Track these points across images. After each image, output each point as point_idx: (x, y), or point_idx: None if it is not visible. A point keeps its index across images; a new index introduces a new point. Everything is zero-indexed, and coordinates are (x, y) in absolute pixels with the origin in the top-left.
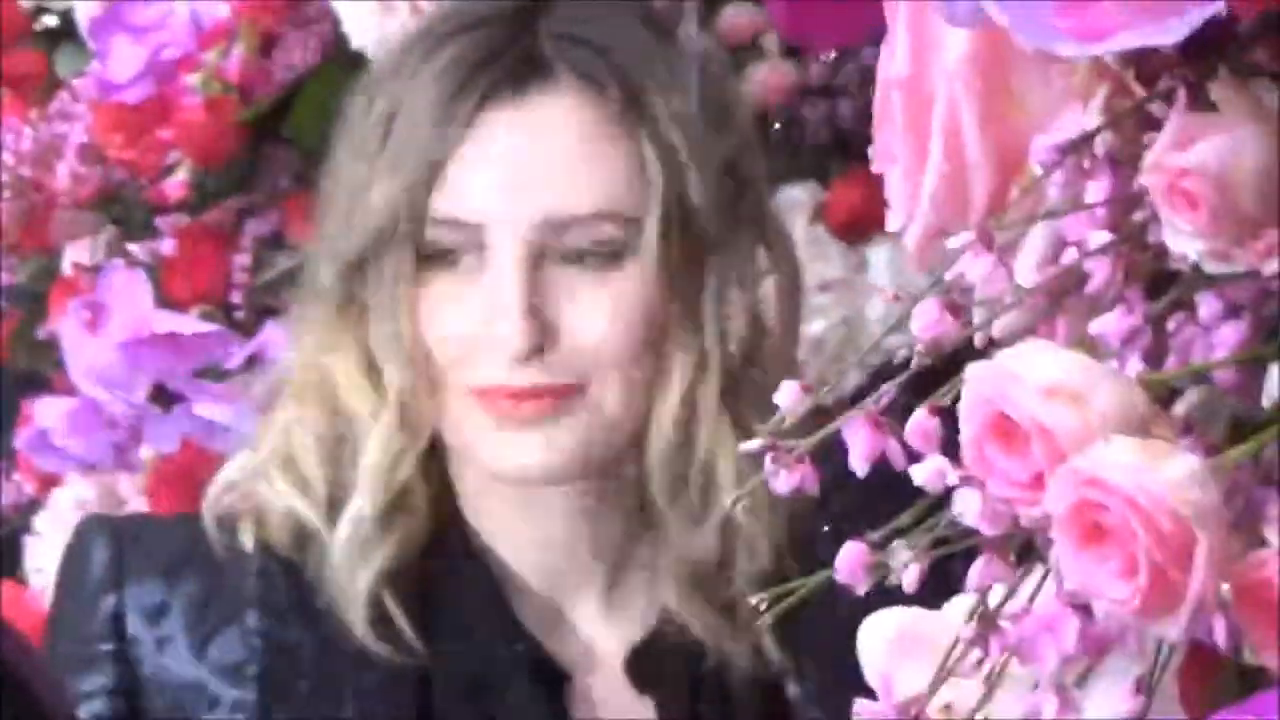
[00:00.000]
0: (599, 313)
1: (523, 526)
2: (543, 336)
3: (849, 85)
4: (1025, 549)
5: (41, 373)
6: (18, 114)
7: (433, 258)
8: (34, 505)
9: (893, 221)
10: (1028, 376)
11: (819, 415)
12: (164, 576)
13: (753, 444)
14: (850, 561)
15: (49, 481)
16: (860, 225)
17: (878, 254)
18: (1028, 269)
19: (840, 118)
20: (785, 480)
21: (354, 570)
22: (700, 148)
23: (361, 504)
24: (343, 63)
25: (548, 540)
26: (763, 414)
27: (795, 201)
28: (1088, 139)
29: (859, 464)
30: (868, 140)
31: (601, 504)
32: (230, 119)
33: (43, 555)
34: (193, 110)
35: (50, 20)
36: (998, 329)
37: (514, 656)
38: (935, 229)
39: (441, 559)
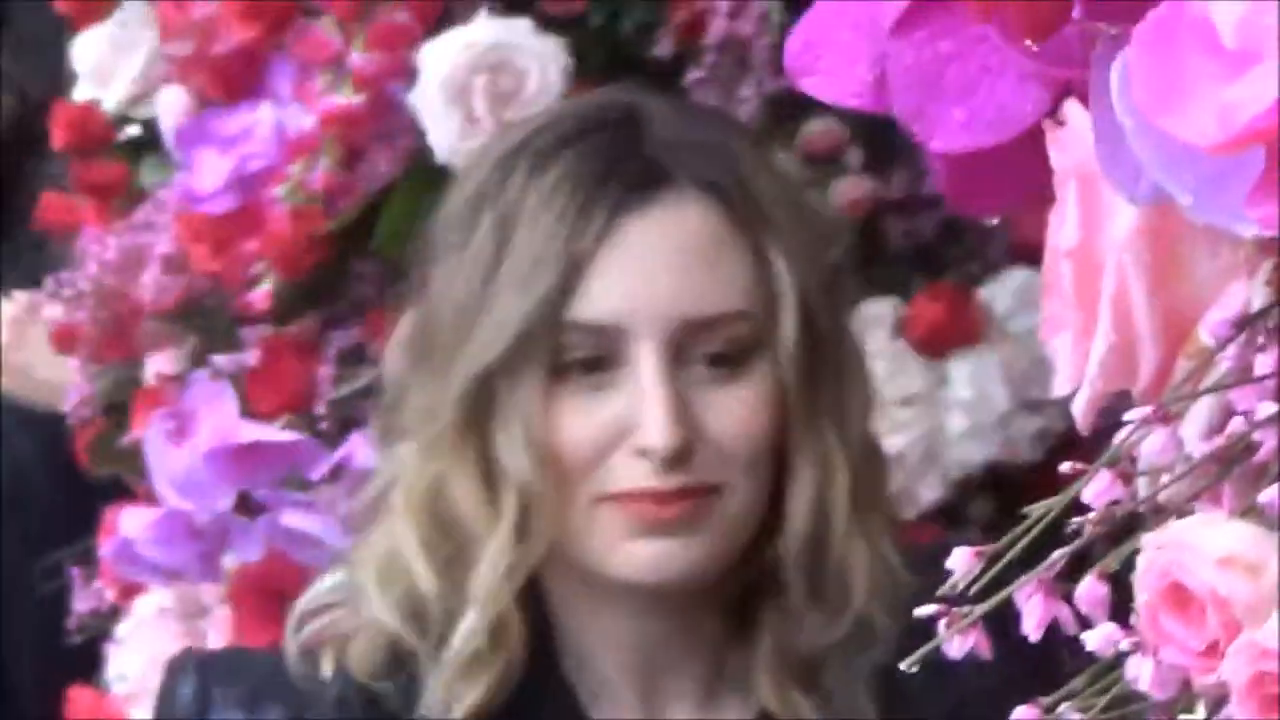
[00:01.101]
0: (735, 413)
1: (625, 635)
2: (687, 438)
3: (930, 199)
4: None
5: (124, 480)
6: (100, 223)
7: (566, 366)
8: (115, 612)
9: (1059, 387)
10: (1204, 547)
11: (897, 526)
12: (245, 706)
13: (926, 610)
14: None
15: (131, 589)
16: (941, 340)
17: (958, 368)
18: (1193, 438)
19: (921, 232)
20: (959, 645)
21: (452, 691)
22: (813, 251)
23: (475, 619)
24: (427, 175)
25: (646, 643)
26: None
27: (877, 316)
28: (1262, 314)
29: (1032, 630)
30: (948, 254)
31: (702, 606)
32: (315, 230)
33: (124, 663)
34: (278, 221)
35: (133, 130)
36: (1164, 497)
37: None
38: (1102, 395)
39: (532, 693)
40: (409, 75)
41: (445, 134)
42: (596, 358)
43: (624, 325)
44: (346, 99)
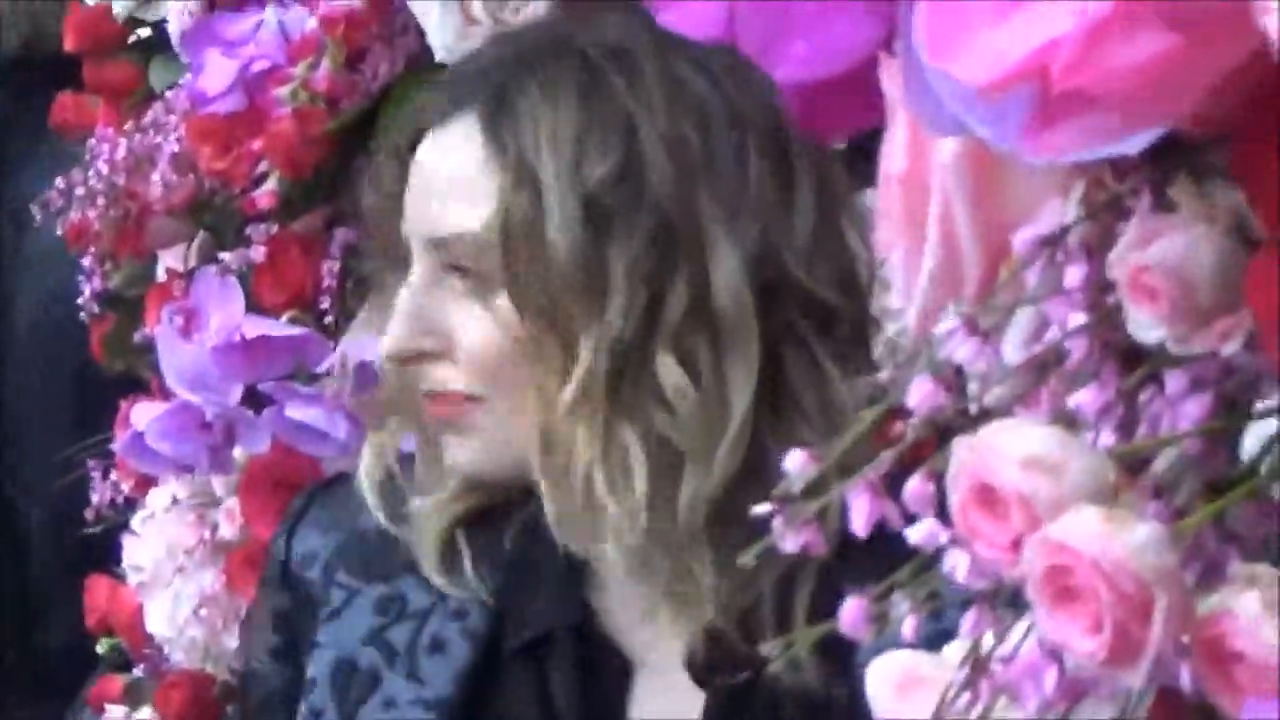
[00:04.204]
0: (480, 328)
1: None
2: (415, 346)
3: None
4: (1014, 599)
5: (139, 375)
6: (112, 124)
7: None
8: (132, 504)
9: (894, 300)
10: (1009, 449)
11: (894, 415)
12: (323, 530)
13: (762, 508)
14: (853, 613)
15: (146, 482)
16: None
17: None
18: (1014, 347)
19: None
20: (792, 541)
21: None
22: (567, 177)
23: (419, 503)
24: (426, 75)
25: None
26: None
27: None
28: (1064, 232)
29: (860, 527)
30: None
31: None
32: (318, 130)
33: (139, 553)
34: (282, 121)
35: (144, 32)
36: (988, 402)
37: (566, 629)
38: (932, 309)
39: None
40: None
41: (444, 35)
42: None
43: (407, 239)
44: (348, 1)
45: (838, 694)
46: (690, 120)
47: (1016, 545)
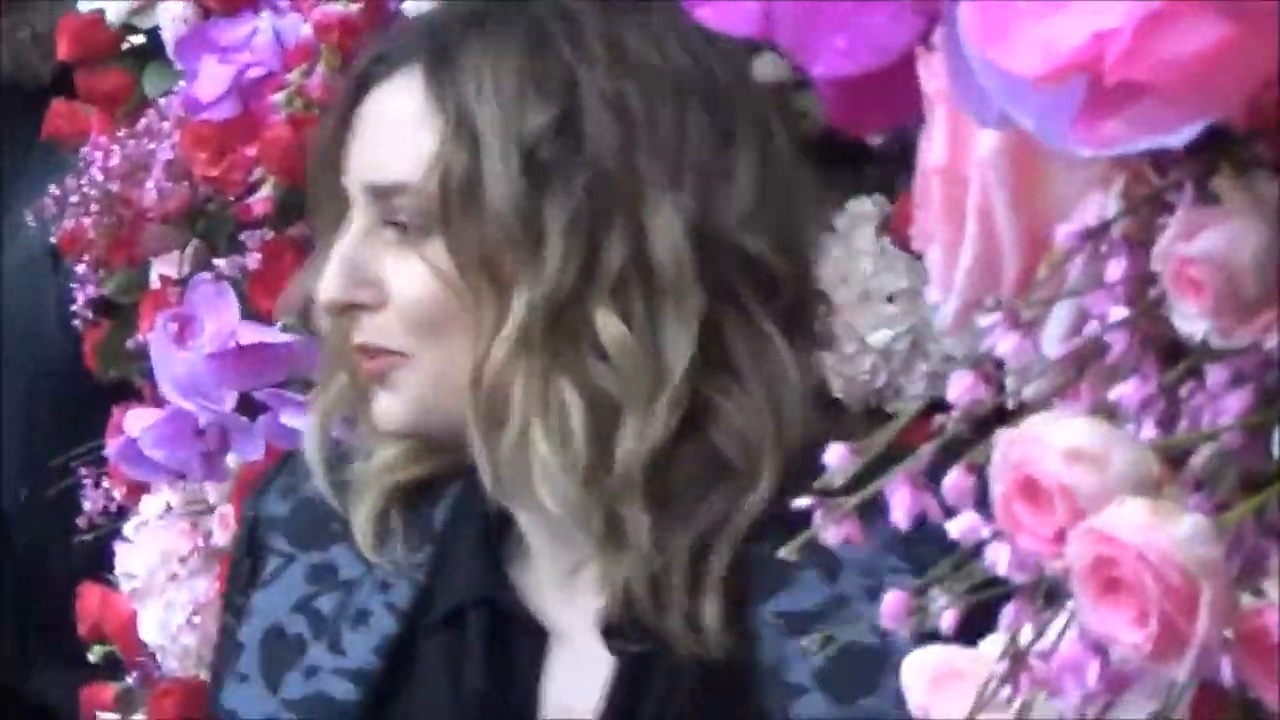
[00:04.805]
0: (412, 282)
1: None
2: (347, 298)
3: None
4: (1052, 593)
5: (132, 382)
6: (105, 131)
7: None
8: (124, 512)
9: (931, 295)
10: (1051, 441)
11: (883, 419)
12: (282, 496)
13: (802, 502)
14: (893, 606)
15: (139, 489)
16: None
17: None
18: (1054, 341)
19: (907, 131)
20: (834, 534)
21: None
22: (506, 129)
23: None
24: None
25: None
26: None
27: (863, 213)
28: (1106, 226)
29: (901, 519)
30: None
31: None
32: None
33: (132, 561)
34: (276, 128)
35: (137, 39)
36: (1027, 396)
37: (480, 601)
38: (970, 304)
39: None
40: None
41: None
42: None
43: (347, 191)
44: (343, 7)
45: (736, 660)
46: (632, 80)
47: (1059, 537)
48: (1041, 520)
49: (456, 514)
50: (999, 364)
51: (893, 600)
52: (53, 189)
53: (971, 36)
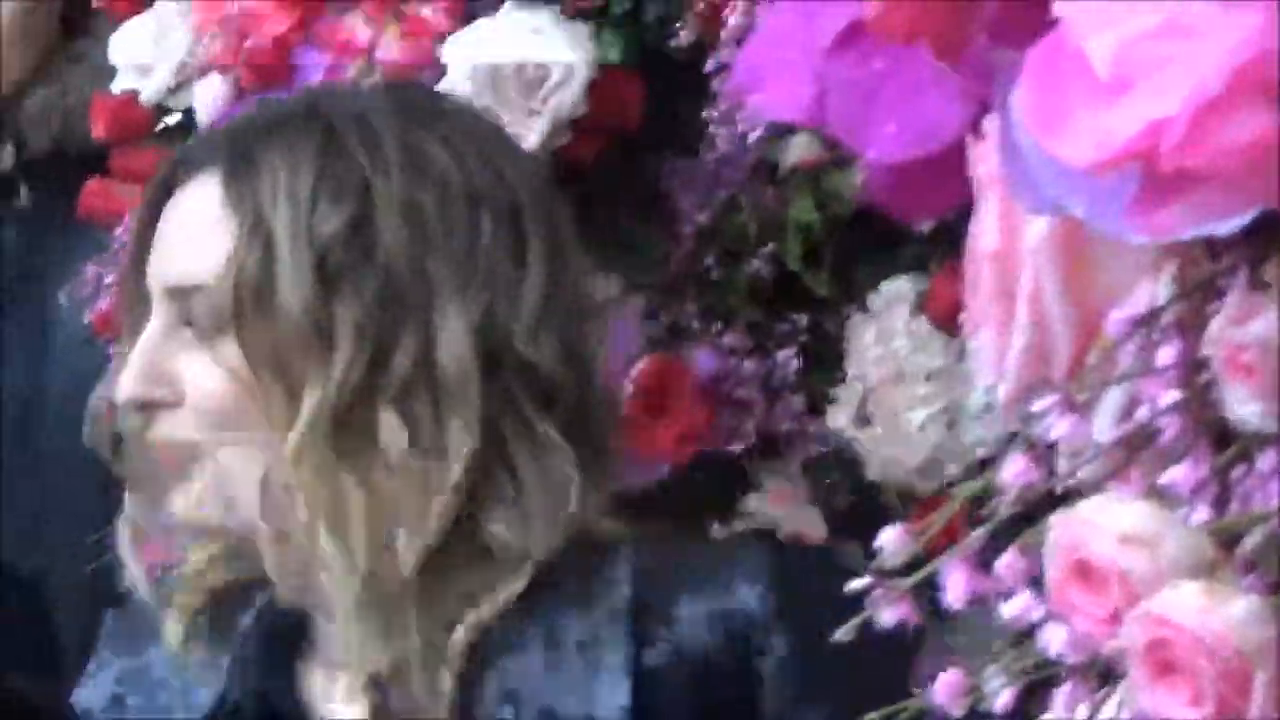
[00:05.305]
0: (205, 377)
1: None
2: (147, 394)
3: None
4: (1106, 673)
5: None
6: None
7: None
8: None
9: (981, 379)
10: (1106, 525)
11: (924, 501)
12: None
13: (859, 583)
14: (948, 686)
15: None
16: (961, 316)
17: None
18: (1105, 425)
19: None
20: (889, 615)
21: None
22: (299, 232)
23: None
24: None
25: None
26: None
27: (898, 293)
28: (1158, 312)
29: (956, 600)
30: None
31: None
32: None
33: None
34: None
35: (172, 119)
36: (1080, 479)
37: (250, 698)
38: (1022, 388)
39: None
40: (437, 66)
41: None
42: None
43: (148, 291)
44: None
45: None
46: (425, 187)
47: (1114, 619)
48: (1096, 602)
49: (260, 616)
50: (1051, 447)
51: (948, 680)
52: (88, 269)
53: (1026, 125)
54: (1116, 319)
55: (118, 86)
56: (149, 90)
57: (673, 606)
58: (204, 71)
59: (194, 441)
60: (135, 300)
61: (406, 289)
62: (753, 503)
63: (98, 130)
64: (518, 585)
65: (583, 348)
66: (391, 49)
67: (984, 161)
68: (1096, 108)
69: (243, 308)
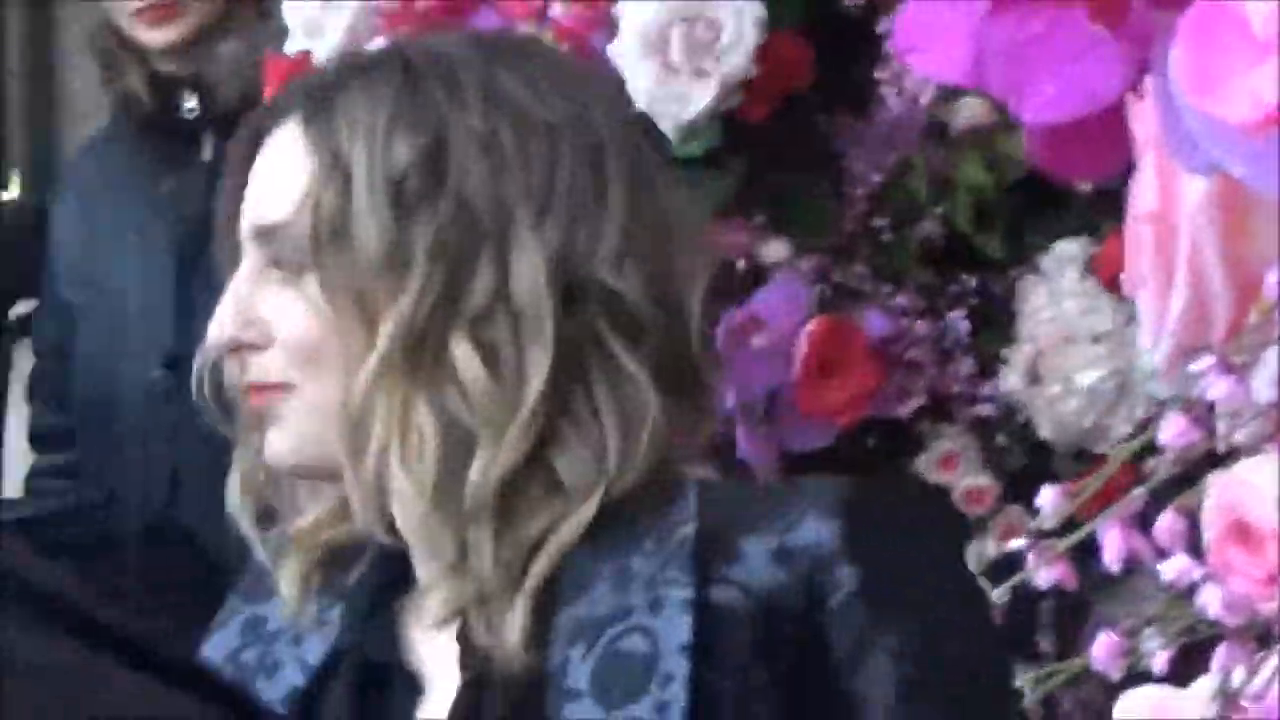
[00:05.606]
0: (292, 317)
1: None
2: (237, 335)
3: None
4: (1264, 635)
5: None
6: None
7: None
8: None
9: (1143, 339)
10: (1264, 485)
11: (1095, 462)
12: None
13: (1018, 543)
14: (1107, 648)
15: None
16: (1123, 277)
17: None
18: (1265, 385)
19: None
20: (1046, 575)
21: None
22: (374, 163)
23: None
24: None
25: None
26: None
27: (1068, 256)
28: None
29: (1112, 561)
30: None
31: None
32: None
33: None
34: None
35: None
36: (1238, 440)
37: (352, 654)
38: (1182, 349)
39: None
40: (610, 27)
41: (644, 83)
42: None
43: (241, 236)
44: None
45: (547, 672)
46: (504, 120)
47: (1272, 580)
48: (1254, 563)
49: (369, 570)
50: (1210, 408)
51: (1105, 642)
52: None
53: (1182, 85)
54: (1275, 281)
55: (290, 47)
56: (321, 51)
57: (738, 543)
58: (376, 32)
59: (284, 382)
60: (233, 248)
61: (482, 218)
62: (922, 465)
63: (270, 90)
64: (588, 515)
65: (673, 284)
66: (566, 9)
67: (1143, 121)
68: (1251, 67)
69: (320, 241)
